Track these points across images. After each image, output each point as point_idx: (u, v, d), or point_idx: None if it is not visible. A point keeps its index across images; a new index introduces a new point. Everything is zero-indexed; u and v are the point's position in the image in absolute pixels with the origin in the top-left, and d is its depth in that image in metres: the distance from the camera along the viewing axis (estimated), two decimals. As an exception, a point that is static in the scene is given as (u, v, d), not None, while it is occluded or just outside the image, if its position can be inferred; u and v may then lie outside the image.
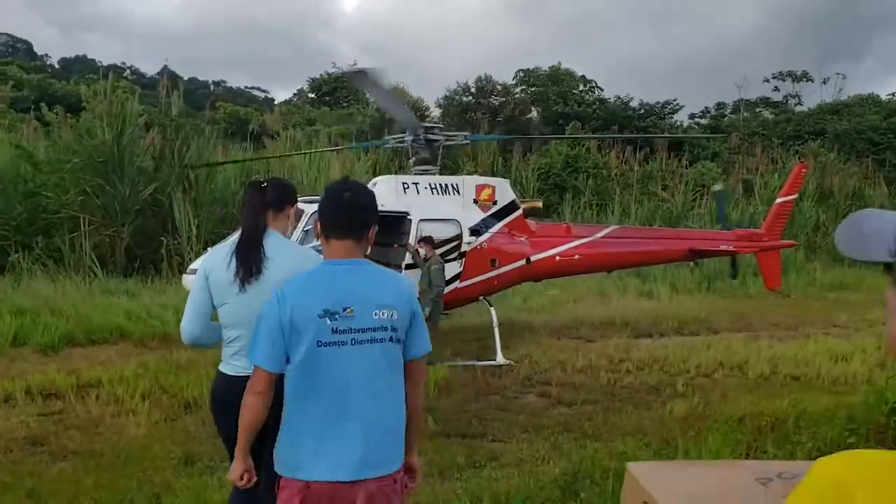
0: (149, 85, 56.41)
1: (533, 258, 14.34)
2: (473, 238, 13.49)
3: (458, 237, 13.38)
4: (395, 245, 13.24)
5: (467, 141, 14.10)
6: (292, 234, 3.59)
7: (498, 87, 49.54)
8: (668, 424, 9.34)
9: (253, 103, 66.10)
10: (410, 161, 14.08)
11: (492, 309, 13.44)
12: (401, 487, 3.11)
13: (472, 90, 49.07)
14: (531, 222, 14.86)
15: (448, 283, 13.07)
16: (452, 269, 13.25)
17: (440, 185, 13.58)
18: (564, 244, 14.79)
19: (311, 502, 2.96)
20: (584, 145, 36.63)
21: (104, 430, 8.57)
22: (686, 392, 11.21)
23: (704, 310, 19.14)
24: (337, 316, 2.87)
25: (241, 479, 3.29)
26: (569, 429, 9.34)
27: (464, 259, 13.44)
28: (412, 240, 12.97)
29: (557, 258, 14.62)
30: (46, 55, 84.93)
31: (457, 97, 48.85)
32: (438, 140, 13.82)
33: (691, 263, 20.10)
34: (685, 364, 13.01)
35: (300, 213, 11.68)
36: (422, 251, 12.59)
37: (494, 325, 13.23)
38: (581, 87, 52.47)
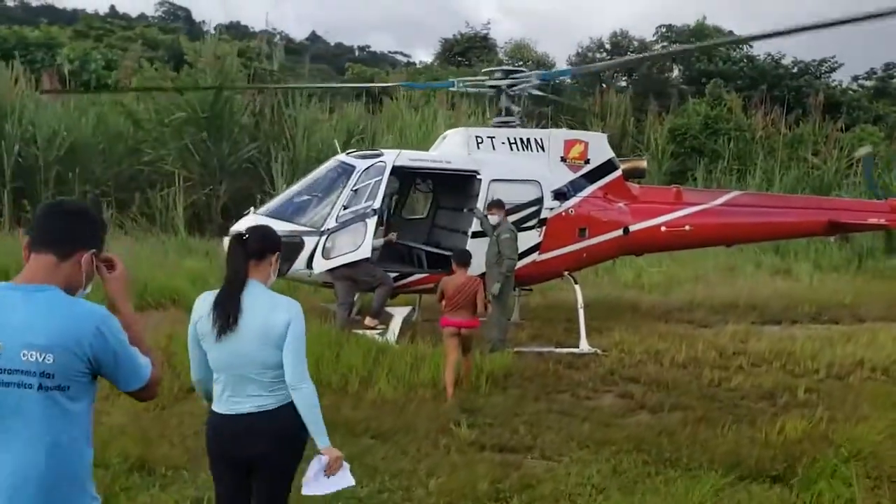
0: (296, 50, 56.44)
1: (632, 228, 12.29)
2: (557, 203, 11.61)
3: (539, 201, 11.53)
4: (464, 209, 11.39)
5: (539, 81, 11.88)
6: (274, 279, 3.93)
7: (635, 42, 46.23)
8: (774, 449, 7.10)
9: (391, 66, 65.13)
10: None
11: (577, 287, 11.52)
12: None
13: (607, 47, 45.99)
14: (633, 185, 12.76)
15: (524, 254, 11.22)
16: (530, 238, 11.42)
17: (521, 139, 11.72)
18: (673, 212, 12.58)
19: None
20: (726, 105, 33.19)
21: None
22: (808, 401, 8.88)
23: (850, 293, 16.20)
24: None
25: None
26: (641, 447, 7.27)
27: (544, 227, 11.56)
28: (481, 203, 11.09)
29: (663, 228, 12.43)
30: (203, 21, 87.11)
31: (590, 54, 45.92)
32: (501, 85, 11.78)
33: (832, 238, 17.02)
34: (814, 361, 10.59)
35: (350, 169, 10.08)
36: (492, 218, 10.72)
37: (579, 306, 11.31)
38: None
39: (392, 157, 11.04)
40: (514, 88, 12.01)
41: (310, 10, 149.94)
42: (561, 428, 7.84)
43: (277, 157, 21.74)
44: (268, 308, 3.72)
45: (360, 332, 10.14)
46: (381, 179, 10.78)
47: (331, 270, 10.52)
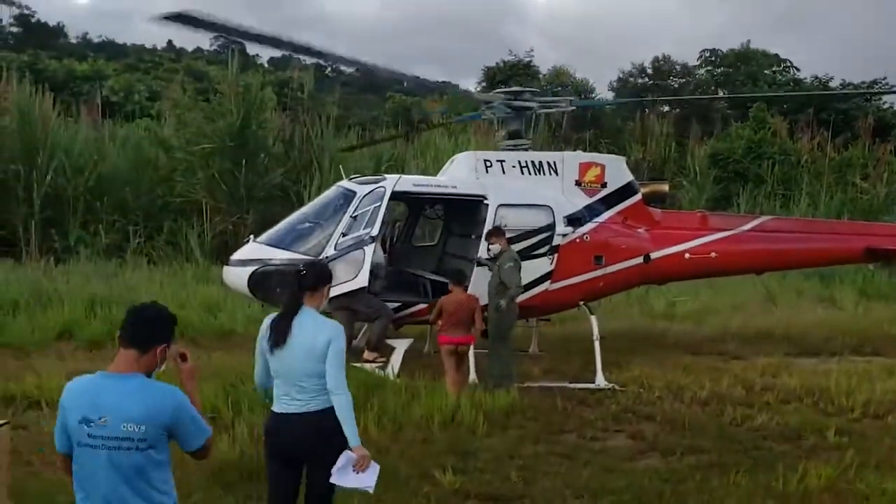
0: (346, 82, 56.70)
1: (654, 255, 11.63)
2: (571, 228, 11.02)
3: (550, 227, 10.95)
4: (472, 236, 10.87)
5: (572, 107, 11.45)
6: (325, 304, 4.86)
7: (677, 67, 45.33)
8: (790, 502, 6.36)
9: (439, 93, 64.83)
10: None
11: (592, 318, 10.91)
12: None
13: (649, 71, 45.18)
14: (655, 210, 12.11)
15: (535, 283, 10.71)
16: (541, 266, 10.86)
17: (533, 163, 11.22)
18: (697, 238, 11.92)
19: None
20: (769, 129, 32.15)
21: (17, 470, 6.58)
22: (838, 444, 8.10)
23: (898, 324, 15.19)
24: (93, 423, 3.32)
25: None
26: (642, 498, 6.58)
27: (556, 254, 10.96)
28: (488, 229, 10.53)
29: (687, 255, 11.79)
30: (257, 55, 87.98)
31: (631, 80, 45.13)
32: (531, 106, 11.24)
33: (870, 266, 16.03)
34: (850, 398, 9.80)
35: (350, 195, 9.67)
36: (493, 247, 10.17)
37: (595, 338, 10.68)
38: (774, 68, 47.04)
39: (392, 182, 10.67)
40: (545, 110, 11.85)
41: (361, 45, 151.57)
42: (558, 473, 7.22)
43: (306, 185, 21.42)
44: (314, 329, 4.48)
45: (359, 365, 9.69)
46: (381, 205, 10.42)
47: (331, 301, 10.03)
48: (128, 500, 3.37)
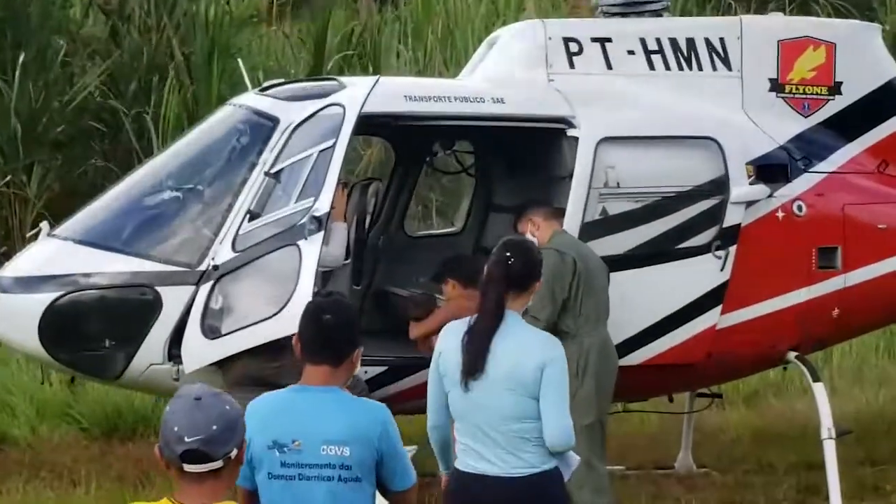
0: None
1: None
2: (763, 188, 6.01)
3: (718, 187, 6.02)
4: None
5: None
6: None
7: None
8: None
9: None
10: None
11: (818, 388, 6.15)
12: None
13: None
14: None
15: (685, 316, 5.98)
16: (695, 277, 6.02)
17: (674, 43, 6.24)
18: None
19: None
20: None
21: None
22: None
23: None
24: (286, 449, 2.92)
25: None
26: None
27: (732, 248, 5.96)
28: (581, 193, 5.98)
29: None
30: None
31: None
32: None
33: None
34: None
35: (264, 126, 6.26)
36: (532, 238, 5.64)
37: (827, 432, 5.98)
38: None
39: (359, 94, 5.97)
40: None
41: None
42: None
43: (159, 104, 11.26)
44: (518, 347, 3.62)
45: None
46: (334, 147, 5.93)
47: (223, 364, 5.97)
48: None
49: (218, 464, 1.62)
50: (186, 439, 1.57)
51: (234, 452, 1.65)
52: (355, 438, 2.80)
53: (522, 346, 3.47)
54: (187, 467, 1.61)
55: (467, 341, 3.54)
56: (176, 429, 1.59)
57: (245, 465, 2.56)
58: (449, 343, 3.67)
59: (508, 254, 3.62)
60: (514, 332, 3.51)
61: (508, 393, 3.37)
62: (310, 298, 6.25)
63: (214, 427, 1.61)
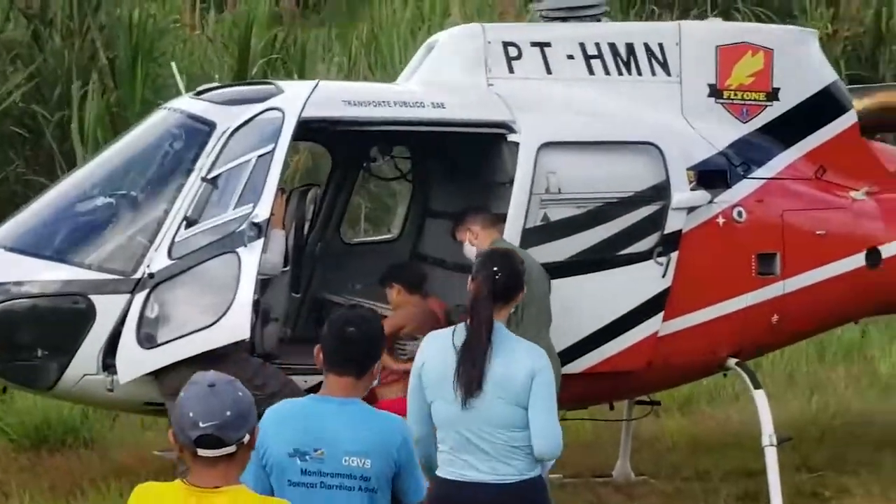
0: None
1: (887, 250, 6.42)
2: (703, 194, 5.99)
3: (658, 193, 5.96)
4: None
5: None
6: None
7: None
8: None
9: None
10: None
11: (758, 395, 6.10)
12: None
13: None
14: (884, 146, 7.09)
15: (626, 323, 5.96)
16: (636, 285, 5.97)
17: (613, 48, 6.18)
18: None
19: None
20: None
21: None
22: None
23: None
24: (307, 457, 2.94)
25: None
26: None
27: (673, 254, 5.91)
28: (521, 199, 5.89)
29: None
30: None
31: None
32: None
33: None
34: None
35: (201, 131, 6.10)
36: (470, 248, 5.77)
37: (767, 439, 6.04)
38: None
39: (298, 98, 5.80)
40: None
41: None
42: None
43: (81, 106, 10.93)
44: (507, 355, 3.66)
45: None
46: (273, 153, 5.83)
47: (160, 374, 5.85)
48: None
49: (231, 449, 1.71)
50: (201, 424, 1.65)
51: (246, 438, 1.74)
52: (376, 451, 2.83)
53: (511, 355, 3.50)
54: (201, 452, 1.70)
55: (464, 360, 3.53)
56: (191, 414, 1.67)
57: (259, 468, 2.75)
58: (432, 354, 3.66)
59: (496, 268, 3.64)
60: (501, 343, 3.54)
61: (499, 402, 3.39)
62: (250, 306, 6.03)
63: (228, 413, 1.70)
